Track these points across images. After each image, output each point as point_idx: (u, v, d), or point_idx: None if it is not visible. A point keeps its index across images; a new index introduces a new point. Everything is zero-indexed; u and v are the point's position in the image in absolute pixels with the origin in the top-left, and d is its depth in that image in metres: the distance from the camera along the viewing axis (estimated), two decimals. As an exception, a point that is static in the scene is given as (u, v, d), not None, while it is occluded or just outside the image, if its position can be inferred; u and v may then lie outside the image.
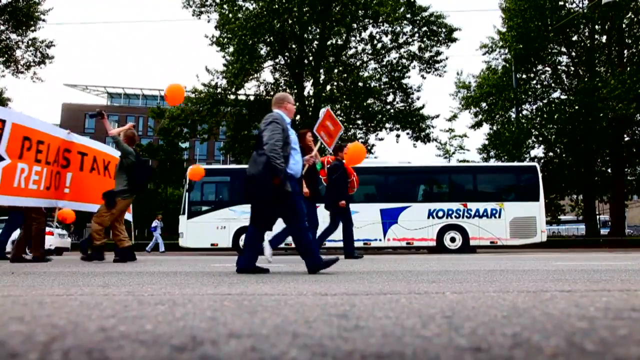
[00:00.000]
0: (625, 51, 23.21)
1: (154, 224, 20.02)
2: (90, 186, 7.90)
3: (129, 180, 6.79)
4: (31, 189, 6.61)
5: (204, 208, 14.02)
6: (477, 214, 13.56)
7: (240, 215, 13.58)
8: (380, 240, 13.52)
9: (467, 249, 13.44)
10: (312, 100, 22.07)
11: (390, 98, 23.94)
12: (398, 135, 23.67)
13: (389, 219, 13.51)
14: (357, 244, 13.20)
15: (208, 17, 22.42)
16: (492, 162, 15.39)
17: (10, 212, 8.37)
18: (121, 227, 7.06)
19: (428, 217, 13.57)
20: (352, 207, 13.01)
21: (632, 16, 22.39)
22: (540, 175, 14.21)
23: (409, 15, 22.14)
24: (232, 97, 22.40)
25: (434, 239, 13.44)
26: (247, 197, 4.22)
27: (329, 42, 22.75)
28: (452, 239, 13.53)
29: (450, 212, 13.54)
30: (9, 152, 6.16)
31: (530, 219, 13.46)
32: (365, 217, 13.28)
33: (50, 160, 7.06)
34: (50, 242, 15.02)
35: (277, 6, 20.26)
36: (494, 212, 13.51)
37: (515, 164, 16.70)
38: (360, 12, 21.24)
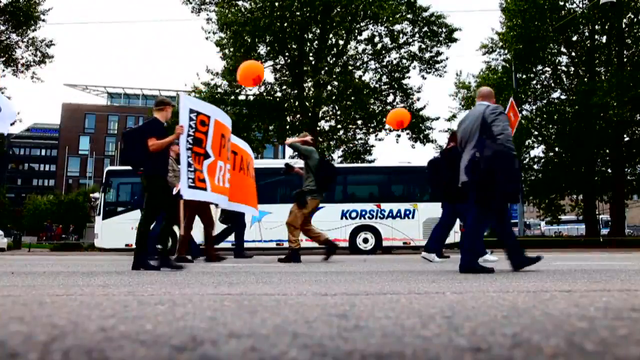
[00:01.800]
0: (625, 52, 23.20)
1: None
2: (240, 185, 7.55)
3: (316, 180, 6.82)
4: (226, 187, 6.38)
5: (119, 209, 13.86)
6: (390, 214, 13.44)
7: None
8: None
9: (380, 250, 13.36)
10: (312, 101, 22.06)
11: (390, 98, 23.92)
12: (398, 136, 23.65)
13: None
14: (270, 245, 13.17)
15: (207, 14, 22.43)
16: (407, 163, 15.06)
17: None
18: (311, 226, 7.17)
19: (341, 218, 13.46)
20: (266, 208, 12.78)
21: (632, 16, 22.39)
22: None
23: (409, 16, 22.10)
24: (233, 97, 22.38)
25: (346, 239, 13.30)
26: (478, 182, 3.99)
27: (329, 43, 22.73)
28: (365, 240, 13.43)
29: (363, 212, 13.42)
30: (213, 150, 5.96)
31: None
32: (279, 218, 13.13)
33: (230, 158, 6.78)
34: None
35: (277, 5, 20.25)
36: (408, 212, 13.38)
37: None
38: (360, 13, 21.22)
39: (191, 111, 5.53)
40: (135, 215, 13.57)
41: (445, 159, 6.68)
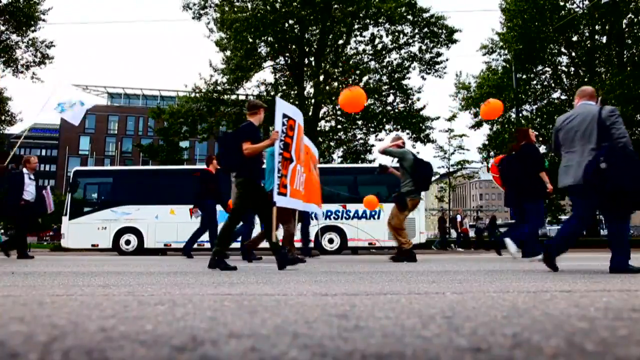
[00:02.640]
0: (625, 52, 23.20)
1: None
2: (309, 185, 7.42)
3: (413, 180, 6.88)
4: (300, 191, 6.29)
5: (86, 209, 13.87)
6: (356, 215, 13.40)
7: (120, 216, 13.38)
8: None
9: (349, 251, 13.28)
10: (312, 101, 22.08)
11: (390, 99, 23.94)
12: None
13: None
14: (235, 245, 13.14)
15: (208, 19, 22.48)
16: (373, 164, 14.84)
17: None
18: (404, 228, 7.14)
19: None
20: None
21: (632, 16, 22.40)
22: None
23: (410, 17, 22.14)
24: (233, 96, 22.40)
25: (312, 239, 13.21)
26: (612, 191, 3.76)
27: (329, 43, 22.75)
28: (331, 240, 13.38)
29: (329, 213, 13.31)
30: (295, 154, 5.87)
31: (409, 221, 13.36)
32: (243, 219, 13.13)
33: (304, 160, 6.66)
34: None
35: (278, 5, 20.27)
36: (373, 213, 13.30)
37: (397, 165, 16.25)
38: (361, 12, 21.23)
39: (283, 116, 5.47)
40: (102, 215, 13.59)
41: (517, 156, 6.67)
